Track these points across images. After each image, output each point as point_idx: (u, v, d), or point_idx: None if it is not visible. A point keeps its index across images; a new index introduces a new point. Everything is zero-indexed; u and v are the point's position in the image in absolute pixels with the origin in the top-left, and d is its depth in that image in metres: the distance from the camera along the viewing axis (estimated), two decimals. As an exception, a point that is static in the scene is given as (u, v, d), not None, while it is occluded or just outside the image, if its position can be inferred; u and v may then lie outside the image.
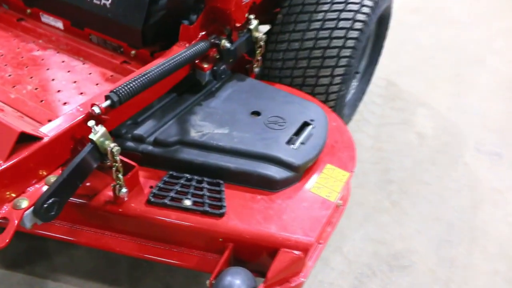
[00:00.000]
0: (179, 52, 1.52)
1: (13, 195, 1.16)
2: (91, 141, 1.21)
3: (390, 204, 2.22)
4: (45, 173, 1.23)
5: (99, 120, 1.26)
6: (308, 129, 1.61)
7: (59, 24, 1.96)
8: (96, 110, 1.25)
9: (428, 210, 2.21)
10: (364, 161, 2.43)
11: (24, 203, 1.14)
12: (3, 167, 1.10)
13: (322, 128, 1.65)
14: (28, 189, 1.19)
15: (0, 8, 2.10)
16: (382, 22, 2.46)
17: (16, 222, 1.10)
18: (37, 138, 1.18)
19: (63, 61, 1.80)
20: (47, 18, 1.99)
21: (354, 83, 2.57)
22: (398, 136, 2.66)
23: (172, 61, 1.47)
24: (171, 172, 1.46)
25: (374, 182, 2.33)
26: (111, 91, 1.29)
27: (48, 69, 1.75)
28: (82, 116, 1.27)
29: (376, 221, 2.12)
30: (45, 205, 1.14)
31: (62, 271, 1.73)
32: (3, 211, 1.12)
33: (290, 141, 1.55)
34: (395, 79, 3.21)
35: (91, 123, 1.20)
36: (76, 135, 1.27)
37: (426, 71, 3.38)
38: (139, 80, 1.35)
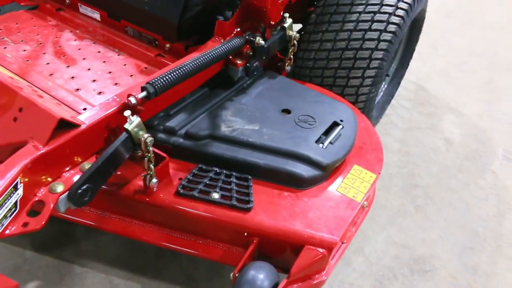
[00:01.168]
0: (214, 47, 1.54)
1: (49, 179, 1.20)
2: (126, 130, 1.24)
3: (414, 209, 2.21)
4: (80, 159, 1.27)
5: (134, 110, 1.29)
6: (337, 129, 1.62)
7: (96, 15, 2.00)
8: (132, 100, 1.28)
9: (453, 216, 2.20)
10: (390, 164, 2.42)
11: (60, 188, 1.18)
12: (42, 151, 1.14)
13: (351, 129, 1.66)
14: (64, 174, 1.23)
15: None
16: (415, 25, 2.44)
17: (52, 205, 1.14)
18: (74, 125, 1.21)
19: (99, 52, 1.84)
20: (85, 9, 2.03)
21: (384, 86, 2.56)
22: (425, 141, 2.64)
23: (207, 55, 1.49)
24: (200, 165, 1.48)
25: (399, 186, 2.32)
26: (148, 83, 1.32)
27: (84, 58, 1.79)
28: (118, 105, 1.30)
29: (400, 224, 2.11)
30: (79, 191, 1.18)
31: (89, 257, 1.77)
32: (40, 195, 1.16)
33: (319, 140, 1.56)
34: (425, 83, 3.18)
35: (127, 113, 1.23)
36: (111, 124, 1.31)
37: (458, 76, 3.34)
38: (174, 73, 1.38)
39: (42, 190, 1.17)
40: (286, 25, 1.77)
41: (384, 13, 1.97)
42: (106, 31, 1.95)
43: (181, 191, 1.40)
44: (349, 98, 2.02)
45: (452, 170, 2.47)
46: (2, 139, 1.21)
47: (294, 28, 1.91)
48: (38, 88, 1.56)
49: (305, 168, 1.48)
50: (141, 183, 1.40)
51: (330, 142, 1.57)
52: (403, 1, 2.01)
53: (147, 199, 1.40)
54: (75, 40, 1.91)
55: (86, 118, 1.25)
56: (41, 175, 1.16)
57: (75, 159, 1.25)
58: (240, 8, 1.65)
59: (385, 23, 1.96)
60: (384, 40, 1.95)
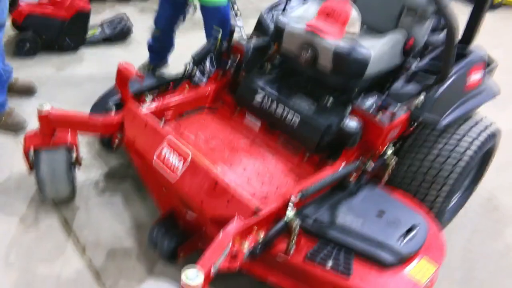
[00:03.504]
0: (342, 167, 2.41)
1: (239, 238, 2.08)
2: (287, 217, 2.11)
3: (471, 296, 2.87)
4: (256, 228, 2.15)
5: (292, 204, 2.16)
6: (414, 231, 2.37)
7: (258, 123, 2.95)
8: (293, 199, 2.16)
9: (504, 308, 2.82)
10: (455, 258, 3.08)
11: (246, 244, 2.06)
12: (244, 224, 2.03)
13: (423, 232, 2.40)
14: (248, 237, 2.11)
15: (218, 103, 3.16)
16: (486, 155, 3.16)
17: (243, 255, 2.02)
18: (259, 210, 2.11)
19: (259, 151, 2.77)
20: (250, 117, 3.00)
21: (458, 195, 3.28)
22: (488, 243, 3.28)
23: (337, 174, 2.35)
24: (321, 241, 2.30)
25: (460, 276, 2.98)
26: (302, 190, 2.20)
27: (251, 155, 2.72)
28: (284, 201, 2.18)
29: (457, 305, 2.78)
30: (257, 248, 2.06)
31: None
32: (235, 248, 2.04)
33: (400, 237, 2.33)
34: (497, 193, 3.79)
35: (290, 206, 2.11)
36: (278, 211, 2.18)
37: (527, 190, 3.95)
38: (317, 184, 2.24)
39: (236, 245, 2.05)
40: (388, 154, 2.59)
41: (460, 149, 2.74)
42: (264, 136, 2.88)
43: (309, 257, 2.23)
44: (426, 204, 2.77)
45: (507, 271, 3.09)
46: (220, 211, 2.13)
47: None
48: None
49: (390, 255, 2.25)
50: (282, 247, 2.24)
51: (409, 239, 2.33)
52: (476, 141, 2.77)
53: (286, 259, 2.23)
54: (243, 139, 2.85)
55: (265, 207, 2.14)
56: (240, 236, 2.05)
57: (254, 229, 2.13)
58: (360, 141, 2.51)
59: (460, 156, 2.72)
60: (458, 168, 2.71)
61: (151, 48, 4.55)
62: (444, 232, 2.78)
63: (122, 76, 2.64)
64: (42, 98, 4.24)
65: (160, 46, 4.54)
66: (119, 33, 5.55)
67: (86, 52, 5.26)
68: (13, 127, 3.75)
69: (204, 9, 3.78)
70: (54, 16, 4.89)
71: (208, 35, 3.72)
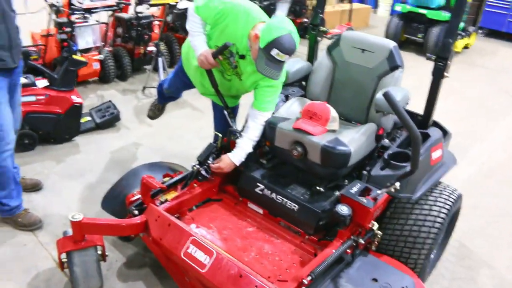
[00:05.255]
0: (339, 246, 2.89)
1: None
2: (301, 297, 2.58)
3: None
4: (276, 306, 2.59)
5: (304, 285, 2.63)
6: (405, 293, 2.88)
7: (260, 211, 3.43)
8: (305, 281, 2.62)
9: None
10: (439, 305, 3.60)
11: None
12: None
13: (412, 292, 2.92)
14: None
15: (221, 194, 3.63)
16: (454, 215, 3.72)
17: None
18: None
19: (265, 236, 3.24)
20: (252, 205, 3.48)
21: (434, 251, 3.80)
22: (465, 289, 3.81)
23: (337, 252, 2.84)
24: (329, 307, 2.77)
25: (446, 322, 3.49)
26: (311, 272, 2.66)
27: (259, 241, 3.18)
28: (297, 283, 2.64)
29: None
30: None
31: None
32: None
33: (394, 299, 2.82)
34: (466, 240, 4.35)
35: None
36: (293, 292, 2.65)
37: (491, 234, 4.50)
38: (322, 264, 2.72)
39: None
40: (374, 228, 3.10)
41: (432, 215, 3.29)
42: (267, 222, 3.36)
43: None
44: (410, 266, 3.28)
45: (483, 312, 3.61)
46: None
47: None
48: (243, 263, 2.90)
49: (389, 314, 2.74)
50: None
51: (401, 300, 2.83)
52: (444, 208, 3.33)
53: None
54: (250, 227, 3.31)
55: (284, 289, 2.60)
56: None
57: (274, 306, 2.58)
58: (351, 223, 3.02)
59: (433, 222, 3.27)
60: (433, 232, 3.24)
61: (160, 94, 4.65)
62: (426, 285, 3.30)
63: (145, 187, 3.10)
64: (49, 194, 4.59)
65: (169, 97, 4.62)
66: (108, 121, 5.99)
67: (80, 142, 5.63)
68: (30, 227, 4.07)
69: (215, 106, 3.94)
70: (49, 112, 5.29)
71: (216, 126, 4.03)
